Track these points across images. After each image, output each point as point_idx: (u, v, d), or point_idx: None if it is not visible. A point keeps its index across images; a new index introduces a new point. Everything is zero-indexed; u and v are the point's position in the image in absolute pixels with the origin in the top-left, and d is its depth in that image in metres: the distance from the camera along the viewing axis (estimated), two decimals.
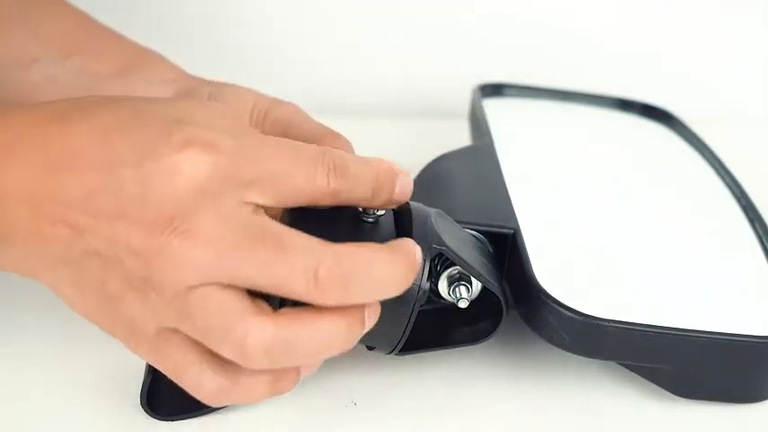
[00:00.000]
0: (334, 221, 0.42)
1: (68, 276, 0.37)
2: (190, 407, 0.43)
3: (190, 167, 0.35)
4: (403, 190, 0.42)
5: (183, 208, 0.35)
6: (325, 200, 0.38)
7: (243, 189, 0.36)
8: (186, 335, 0.37)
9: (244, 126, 0.39)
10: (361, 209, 0.43)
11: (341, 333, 0.37)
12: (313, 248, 0.36)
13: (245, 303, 0.36)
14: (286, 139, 0.39)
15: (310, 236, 0.36)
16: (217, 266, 0.35)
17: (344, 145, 0.47)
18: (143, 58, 0.52)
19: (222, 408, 0.43)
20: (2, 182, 0.36)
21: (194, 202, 0.35)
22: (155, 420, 0.43)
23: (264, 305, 0.37)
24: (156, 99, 0.41)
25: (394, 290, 0.37)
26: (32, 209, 0.36)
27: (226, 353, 0.36)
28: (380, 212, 0.44)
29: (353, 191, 0.39)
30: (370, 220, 0.43)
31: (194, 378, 0.38)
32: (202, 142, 0.36)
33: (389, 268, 0.37)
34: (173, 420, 0.43)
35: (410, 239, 0.39)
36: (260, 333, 0.36)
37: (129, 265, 0.36)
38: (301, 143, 0.39)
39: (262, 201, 0.37)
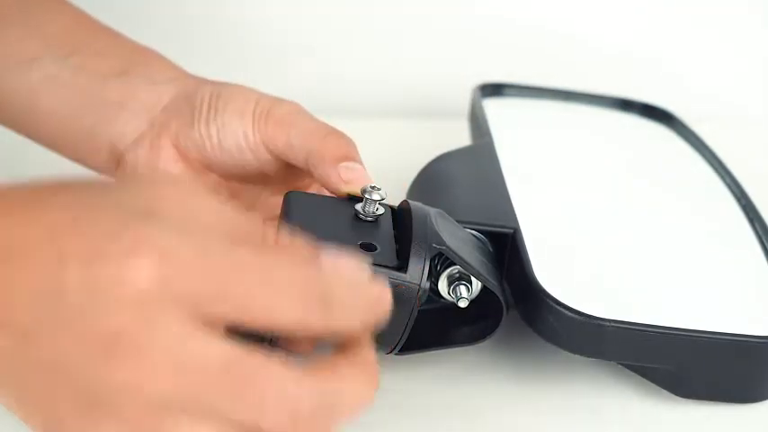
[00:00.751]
0: (332, 220, 0.42)
1: (14, 391, 0.32)
2: None
3: (134, 276, 0.30)
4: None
5: (130, 323, 0.30)
6: (296, 327, 0.32)
7: (199, 305, 0.30)
8: None
9: (222, 228, 0.33)
10: (359, 208, 0.43)
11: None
12: (286, 381, 0.31)
13: None
14: (268, 254, 0.32)
15: (281, 363, 0.31)
16: (179, 400, 0.30)
17: (348, 144, 0.47)
18: (143, 58, 0.52)
19: None
20: None
21: (141, 317, 0.30)
22: None
23: None
24: (129, 183, 0.35)
25: (363, 409, 0.34)
26: None
27: None
28: (379, 212, 0.44)
29: (337, 326, 0.33)
30: (369, 219, 0.43)
31: None
32: (155, 247, 0.30)
33: (359, 396, 0.34)
34: None
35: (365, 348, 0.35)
36: None
37: (81, 383, 0.30)
38: (284, 257, 0.32)
39: (220, 320, 0.31)
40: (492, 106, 0.64)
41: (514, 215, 0.49)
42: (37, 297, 0.30)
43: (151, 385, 0.30)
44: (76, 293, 0.30)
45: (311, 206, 0.44)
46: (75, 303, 0.30)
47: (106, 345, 0.30)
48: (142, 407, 0.30)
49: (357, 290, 0.33)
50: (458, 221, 0.46)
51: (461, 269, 0.44)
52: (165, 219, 0.31)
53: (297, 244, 0.34)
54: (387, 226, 0.44)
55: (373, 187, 0.44)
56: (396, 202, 0.46)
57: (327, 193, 0.46)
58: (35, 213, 0.32)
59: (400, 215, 0.45)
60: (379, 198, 0.44)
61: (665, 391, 0.46)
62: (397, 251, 0.42)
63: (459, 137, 0.65)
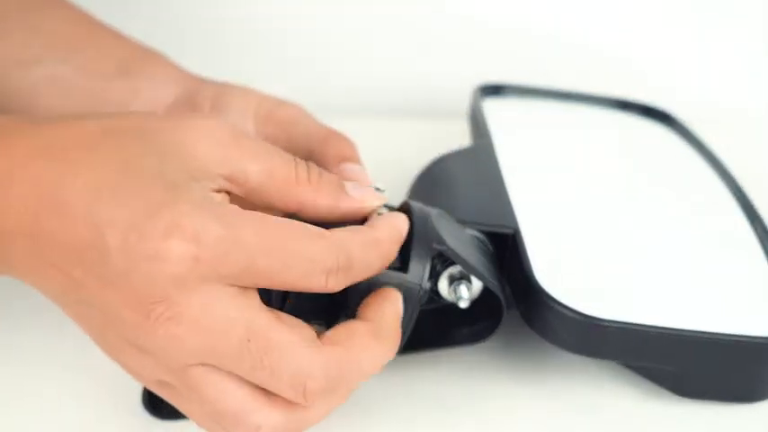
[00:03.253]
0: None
1: (70, 311, 0.37)
2: None
3: (171, 258, 0.34)
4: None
5: (167, 295, 0.34)
6: (321, 290, 0.37)
7: (228, 280, 0.35)
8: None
9: (258, 170, 0.37)
10: None
11: (333, 408, 0.38)
12: (300, 358, 0.36)
13: (243, 391, 0.36)
14: (290, 229, 0.36)
15: (300, 331, 0.36)
16: (206, 355, 0.35)
17: (348, 145, 0.47)
18: (145, 58, 0.52)
19: None
20: (3, 215, 0.35)
21: (177, 291, 0.34)
22: (156, 420, 0.43)
23: (261, 391, 0.37)
24: (171, 136, 0.37)
25: (378, 370, 0.39)
26: (31, 248, 0.35)
27: None
28: (381, 212, 0.44)
29: (355, 278, 0.38)
30: None
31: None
32: (187, 231, 0.34)
33: (377, 359, 0.38)
34: (174, 420, 0.43)
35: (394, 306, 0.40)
36: (271, 425, 0.36)
37: (126, 330, 0.35)
38: (309, 231, 0.36)
39: (250, 286, 0.36)
40: (492, 106, 0.64)
41: (514, 215, 0.49)
42: (82, 254, 0.34)
43: (184, 344, 0.34)
44: (118, 258, 0.34)
45: None
46: (118, 266, 0.34)
47: (147, 309, 0.34)
48: (176, 358, 0.35)
49: (374, 247, 0.38)
50: (458, 222, 0.46)
51: (462, 269, 0.44)
52: (198, 193, 0.35)
53: (327, 179, 0.39)
54: None
55: (377, 189, 0.44)
56: (396, 203, 0.46)
57: None
58: (80, 168, 0.35)
59: None
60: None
61: (665, 391, 0.46)
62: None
63: (459, 137, 0.65)
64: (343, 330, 0.38)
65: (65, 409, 0.44)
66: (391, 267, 0.41)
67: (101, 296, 0.35)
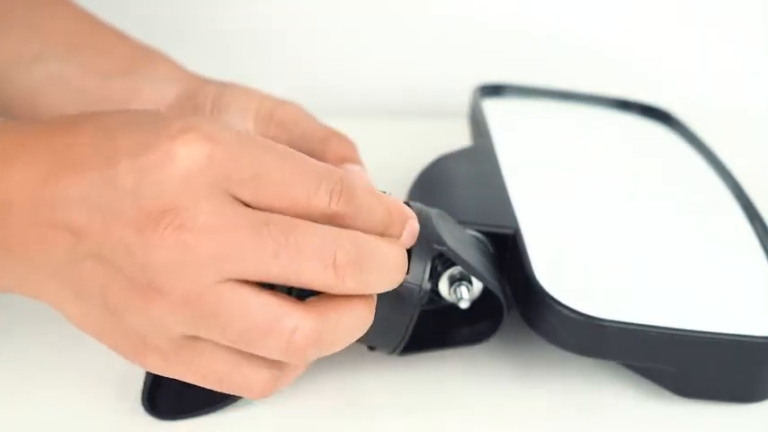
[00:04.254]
0: None
1: (70, 288, 0.36)
2: (191, 406, 0.43)
3: (184, 154, 0.33)
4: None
5: (176, 200, 0.33)
6: (322, 219, 0.36)
7: (237, 186, 0.34)
8: (211, 340, 0.36)
9: (251, 132, 0.37)
10: None
11: (366, 315, 0.37)
12: (326, 232, 0.35)
13: (270, 298, 0.34)
14: (297, 152, 0.36)
15: (309, 223, 0.35)
16: (223, 261, 0.33)
17: (349, 146, 0.47)
18: (147, 57, 0.52)
19: (223, 407, 0.43)
20: (2, 189, 0.35)
21: (187, 193, 0.33)
22: (155, 420, 0.43)
23: (289, 297, 0.35)
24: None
25: (399, 276, 0.38)
26: (33, 214, 0.35)
27: (267, 352, 0.35)
28: None
29: (358, 219, 0.37)
30: None
31: (241, 384, 0.37)
32: (202, 131, 0.34)
33: (399, 256, 0.37)
34: (174, 420, 0.43)
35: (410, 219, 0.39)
36: (306, 328, 0.35)
37: (130, 271, 0.34)
38: (313, 160, 0.37)
39: (253, 202, 0.35)
40: (492, 107, 0.64)
41: (514, 216, 0.49)
42: (89, 194, 0.34)
43: (199, 252, 0.33)
44: (126, 179, 0.33)
45: None
46: (126, 188, 0.33)
47: (155, 222, 0.33)
48: (193, 277, 0.33)
49: (380, 197, 0.38)
50: (458, 222, 0.46)
51: (462, 270, 0.44)
52: (206, 120, 0.35)
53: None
54: None
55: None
56: None
57: None
58: (90, 120, 0.36)
59: None
60: None
61: (665, 391, 0.46)
62: None
63: (460, 137, 0.65)
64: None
65: (65, 409, 0.44)
66: None
67: (104, 235, 0.34)
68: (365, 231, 0.37)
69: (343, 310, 0.36)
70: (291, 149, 0.36)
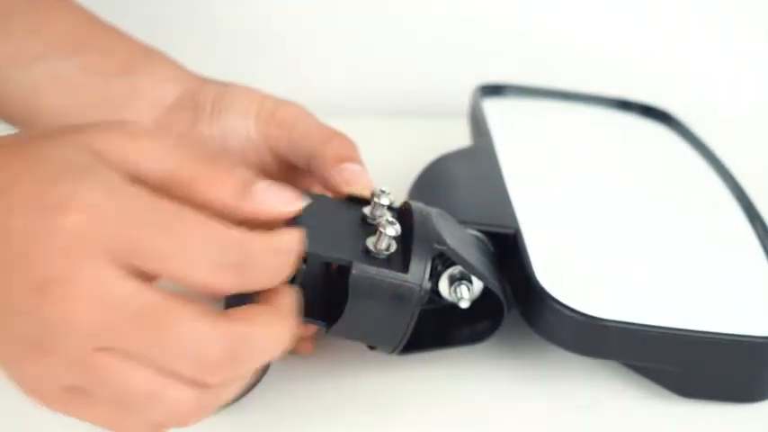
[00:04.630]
0: (338, 222, 0.42)
1: None
2: None
3: (63, 227, 0.33)
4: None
5: (59, 270, 0.33)
6: (210, 285, 0.34)
7: (119, 257, 0.33)
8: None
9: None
10: (367, 212, 0.44)
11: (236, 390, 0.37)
12: (197, 331, 0.34)
13: (148, 374, 0.34)
14: (189, 212, 0.34)
15: (197, 307, 0.34)
16: (106, 334, 0.33)
17: (349, 146, 0.47)
18: (148, 57, 0.52)
19: (222, 408, 0.43)
20: None
21: (68, 266, 0.33)
22: None
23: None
24: (80, 133, 0.37)
25: (278, 352, 0.36)
26: None
27: (147, 419, 0.35)
28: (384, 212, 0.44)
29: (254, 285, 0.35)
30: (375, 223, 0.43)
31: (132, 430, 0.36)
32: (80, 204, 0.33)
33: (274, 337, 0.36)
34: None
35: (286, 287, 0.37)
36: (187, 401, 0.35)
37: (25, 323, 0.34)
38: (209, 223, 0.34)
39: (141, 269, 0.34)
40: (492, 106, 0.64)
41: (515, 216, 0.49)
42: None
43: (80, 323, 0.33)
44: (19, 240, 0.33)
45: (320, 208, 0.44)
46: (18, 249, 0.33)
47: (40, 287, 0.33)
48: (75, 344, 0.33)
49: (272, 254, 0.35)
50: (458, 222, 0.46)
51: (462, 269, 0.44)
52: (99, 173, 0.34)
53: (233, 178, 0.36)
54: None
55: (383, 191, 0.44)
56: (396, 203, 0.46)
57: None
58: None
59: (402, 216, 0.45)
60: (388, 203, 0.44)
61: (665, 391, 0.46)
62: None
63: (460, 137, 0.65)
64: (245, 308, 0.36)
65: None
66: (393, 268, 0.41)
67: (4, 290, 0.33)
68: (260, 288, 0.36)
69: (233, 388, 0.36)
70: (182, 211, 0.34)
